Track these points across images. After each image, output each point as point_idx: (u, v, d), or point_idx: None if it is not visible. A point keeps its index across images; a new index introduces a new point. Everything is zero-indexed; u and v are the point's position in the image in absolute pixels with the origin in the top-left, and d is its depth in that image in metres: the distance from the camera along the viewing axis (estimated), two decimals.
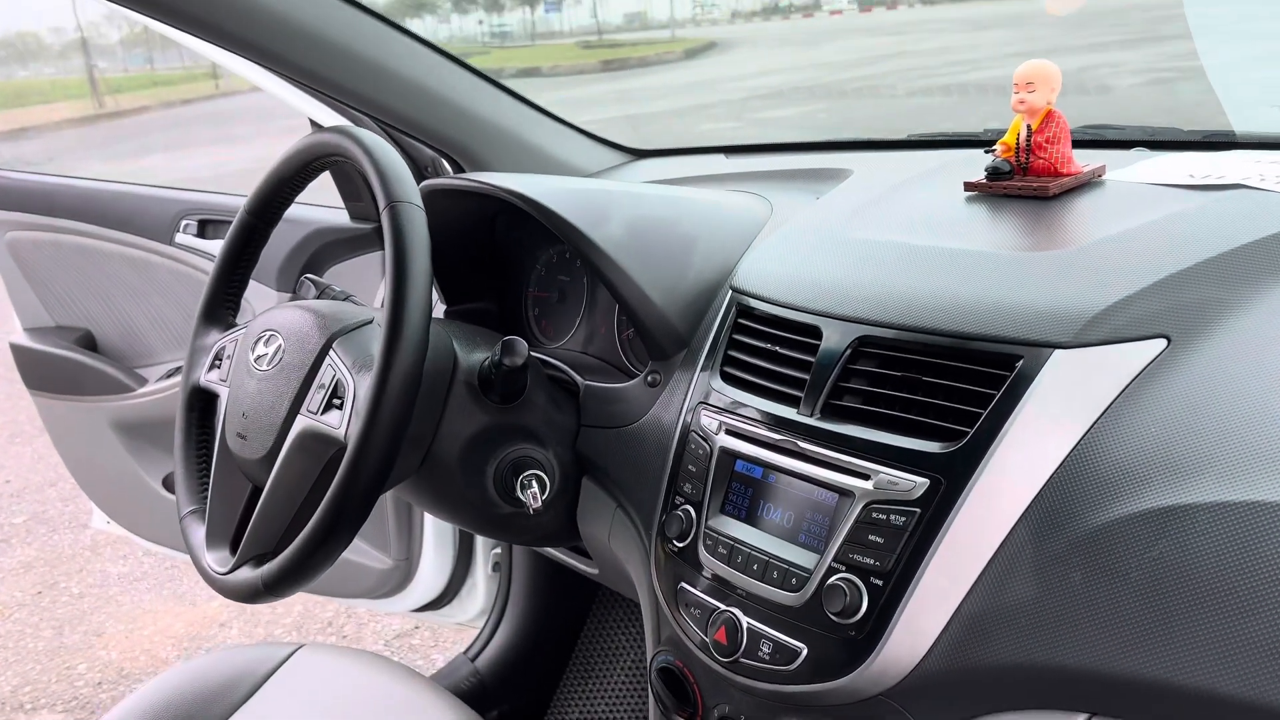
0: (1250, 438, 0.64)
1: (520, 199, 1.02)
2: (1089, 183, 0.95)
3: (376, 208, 1.52)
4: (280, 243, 1.58)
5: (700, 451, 0.90)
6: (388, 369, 0.82)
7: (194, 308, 1.09)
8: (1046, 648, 0.68)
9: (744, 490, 0.86)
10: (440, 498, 1.05)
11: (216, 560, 0.97)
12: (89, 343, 1.93)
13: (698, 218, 1.09)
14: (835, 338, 0.82)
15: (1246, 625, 0.60)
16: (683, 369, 0.98)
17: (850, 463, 0.78)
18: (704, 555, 0.87)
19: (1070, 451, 0.70)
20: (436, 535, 1.62)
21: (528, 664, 1.66)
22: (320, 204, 1.59)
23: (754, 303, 0.92)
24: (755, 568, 0.82)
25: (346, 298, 1.11)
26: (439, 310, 1.28)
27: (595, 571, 1.22)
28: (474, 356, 1.00)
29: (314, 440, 0.91)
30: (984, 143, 1.27)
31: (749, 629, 0.82)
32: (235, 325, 1.09)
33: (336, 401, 0.90)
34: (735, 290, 0.96)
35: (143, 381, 1.84)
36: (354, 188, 1.54)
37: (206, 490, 1.03)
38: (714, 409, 0.91)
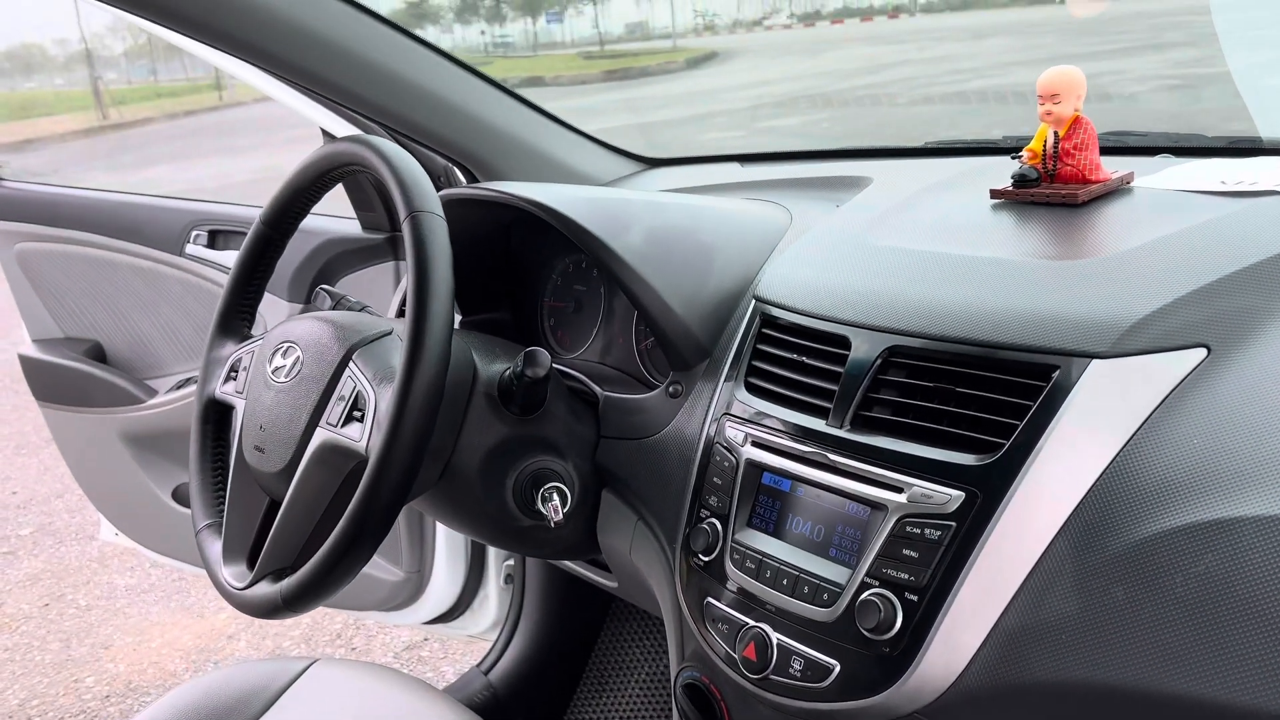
0: None
1: (540, 208, 1.01)
2: (1117, 190, 0.94)
3: (390, 218, 1.54)
4: (292, 254, 1.56)
5: (725, 463, 0.89)
6: (410, 380, 0.81)
7: (204, 319, 1.08)
8: (1088, 664, 0.66)
9: (771, 503, 0.85)
10: (459, 510, 1.03)
11: (234, 575, 0.95)
12: (98, 354, 1.92)
13: (717, 227, 1.08)
14: (864, 348, 0.81)
15: None
16: (705, 379, 0.97)
17: (882, 475, 0.76)
18: (731, 569, 0.85)
19: (1109, 463, 0.68)
20: (449, 547, 1.61)
21: (541, 677, 1.65)
22: (332, 214, 1.58)
23: (779, 312, 0.91)
24: (785, 582, 0.81)
25: (363, 308, 1.10)
26: (455, 320, 1.27)
27: (614, 585, 1.21)
28: (493, 367, 0.99)
29: (334, 453, 0.90)
30: (1002, 150, 1.26)
31: (779, 645, 0.80)
32: (251, 337, 1.08)
33: (357, 414, 0.88)
34: (759, 300, 0.95)
35: (152, 393, 1.83)
36: (366, 198, 1.54)
37: (222, 504, 1.02)
38: (739, 420, 0.89)
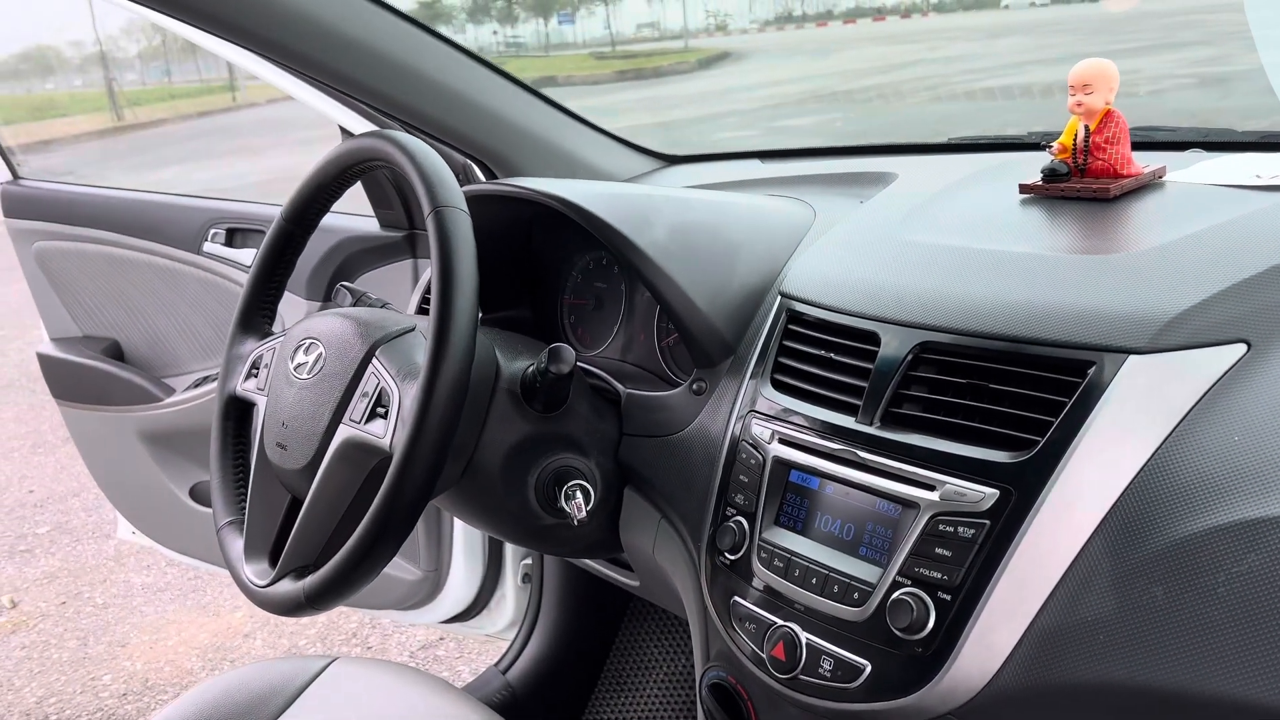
0: None
1: (564, 204, 1.00)
2: (1149, 184, 0.92)
3: (409, 216, 1.53)
4: (309, 252, 1.56)
5: (752, 461, 0.88)
6: (435, 376, 0.80)
7: (222, 317, 1.08)
8: (1127, 665, 0.65)
9: (799, 501, 0.84)
10: (481, 508, 1.03)
11: (256, 572, 0.95)
12: (116, 352, 1.92)
13: (741, 222, 1.07)
14: (894, 344, 0.80)
15: None
16: (730, 376, 0.96)
17: (914, 473, 0.75)
18: (758, 568, 0.84)
19: (1147, 461, 0.67)
20: (466, 546, 1.60)
21: (559, 677, 1.64)
22: (349, 212, 1.58)
23: (806, 308, 0.90)
24: (814, 581, 0.80)
25: (384, 305, 1.09)
26: None
27: (635, 584, 1.20)
28: (516, 364, 0.98)
29: (357, 450, 0.89)
30: (1027, 146, 1.24)
31: (808, 644, 0.79)
32: (272, 334, 1.07)
33: (381, 410, 0.88)
34: (785, 296, 0.94)
35: (170, 391, 1.83)
36: (384, 195, 1.53)
37: (244, 501, 1.02)
38: (765, 417, 0.88)
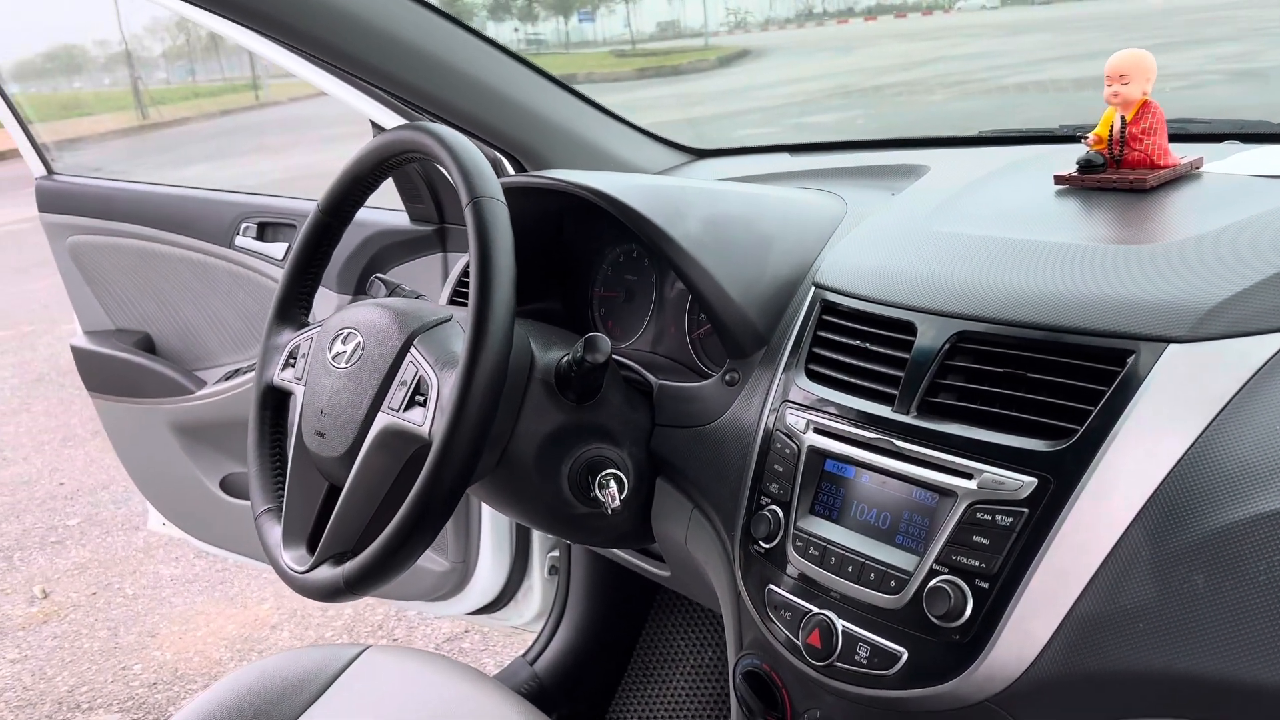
0: None
1: (598, 196, 1.01)
2: (1186, 175, 0.92)
3: (439, 210, 1.54)
4: (341, 245, 1.58)
5: (787, 451, 0.88)
6: (474, 364, 0.81)
7: (253, 310, 1.09)
8: (1167, 653, 0.65)
9: (834, 490, 0.84)
10: (515, 497, 1.03)
11: (294, 559, 0.96)
12: (148, 345, 1.95)
13: (774, 214, 1.07)
14: (931, 334, 0.80)
15: None
16: (762, 367, 0.97)
17: (952, 461, 0.76)
18: (793, 556, 0.85)
19: (1188, 449, 0.67)
20: (494, 537, 1.61)
21: (586, 668, 1.65)
22: (380, 206, 1.59)
23: (840, 299, 0.90)
24: (850, 569, 0.80)
25: (418, 297, 1.10)
26: None
27: (666, 574, 1.21)
28: (550, 355, 0.99)
29: (396, 438, 0.90)
30: (1060, 138, 1.24)
31: (844, 632, 0.80)
32: (308, 324, 1.09)
33: (419, 399, 0.89)
34: (819, 286, 0.94)
35: (201, 384, 1.85)
36: (415, 189, 1.54)
37: (281, 489, 1.03)
38: (800, 407, 0.89)
